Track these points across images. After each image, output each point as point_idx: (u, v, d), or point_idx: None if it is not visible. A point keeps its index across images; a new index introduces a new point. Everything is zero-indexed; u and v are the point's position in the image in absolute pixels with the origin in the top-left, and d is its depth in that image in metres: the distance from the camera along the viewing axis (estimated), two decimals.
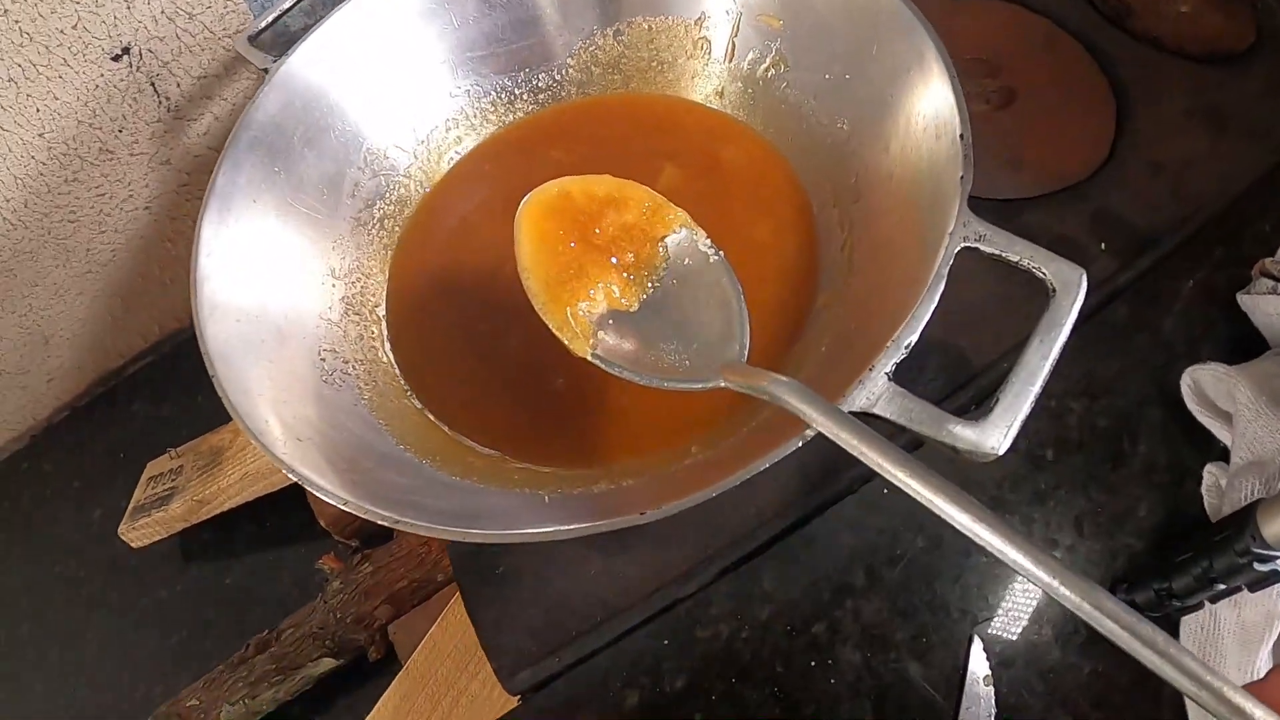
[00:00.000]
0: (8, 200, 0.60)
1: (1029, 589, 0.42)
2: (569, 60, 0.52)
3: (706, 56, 0.51)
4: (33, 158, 0.59)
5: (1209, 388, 0.45)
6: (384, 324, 0.47)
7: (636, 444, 0.41)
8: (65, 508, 0.68)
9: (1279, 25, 0.59)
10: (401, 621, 0.57)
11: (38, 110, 0.57)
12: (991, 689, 0.39)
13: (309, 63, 0.47)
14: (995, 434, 0.31)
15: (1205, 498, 0.45)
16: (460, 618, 0.54)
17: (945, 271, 0.33)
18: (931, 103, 0.38)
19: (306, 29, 0.49)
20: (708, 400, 0.39)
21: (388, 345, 0.46)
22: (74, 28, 0.55)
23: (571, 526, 0.31)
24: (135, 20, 0.57)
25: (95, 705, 0.61)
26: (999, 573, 0.41)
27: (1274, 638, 0.40)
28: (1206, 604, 0.40)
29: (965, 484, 0.42)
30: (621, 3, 0.50)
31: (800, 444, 0.31)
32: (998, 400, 0.31)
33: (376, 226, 0.49)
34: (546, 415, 0.42)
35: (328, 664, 0.57)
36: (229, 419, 0.64)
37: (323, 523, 0.60)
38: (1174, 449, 0.46)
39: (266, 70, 0.46)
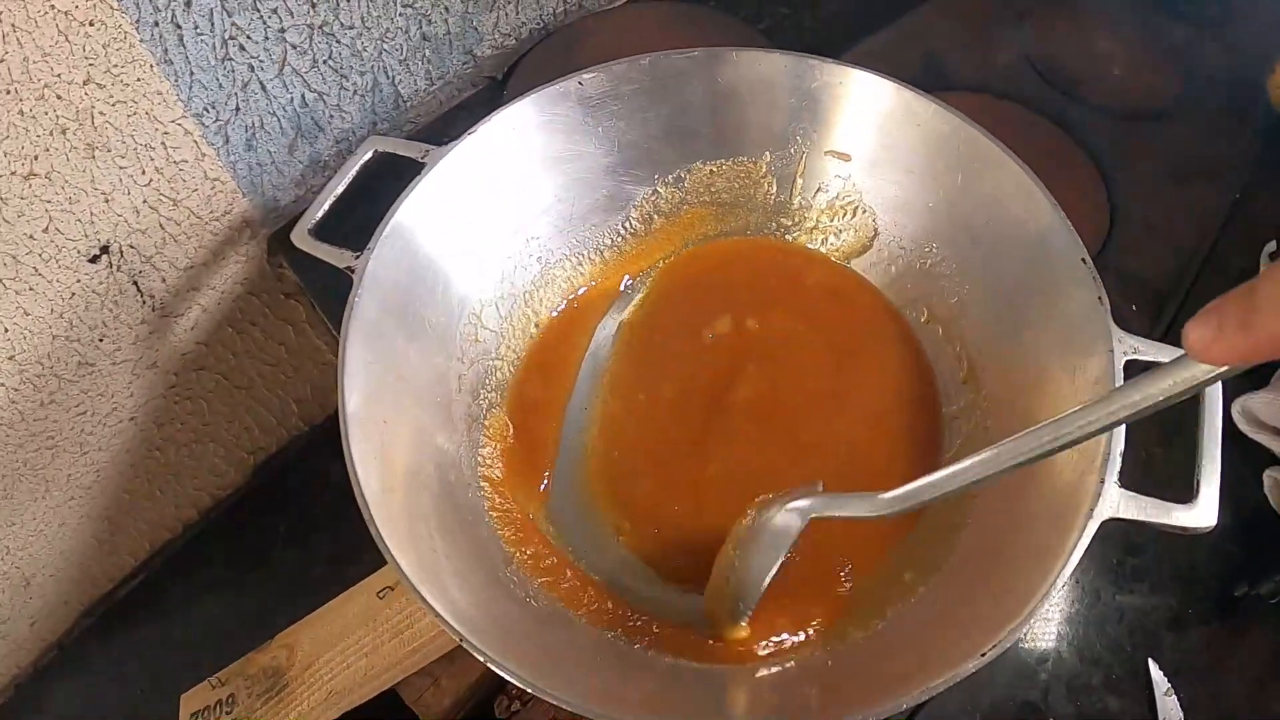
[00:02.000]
0: None
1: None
2: (634, 212, 0.51)
3: (775, 194, 0.52)
4: (3, 384, 0.50)
5: (1260, 411, 0.52)
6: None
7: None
8: None
9: (1199, 77, 0.68)
10: None
11: (5, 331, 0.49)
12: (1173, 697, 0.44)
13: (390, 254, 0.42)
14: (1206, 512, 0.36)
15: (1269, 497, 0.52)
16: None
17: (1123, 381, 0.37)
18: (1036, 219, 0.42)
19: (338, 209, 0.45)
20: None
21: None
22: (44, 231, 0.48)
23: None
24: (114, 215, 0.50)
25: None
26: (1149, 604, 0.47)
27: None
28: None
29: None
30: (686, 148, 0.50)
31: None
32: (1198, 483, 0.37)
33: (489, 416, 0.46)
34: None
35: None
36: (258, 633, 0.58)
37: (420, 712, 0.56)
38: (1234, 467, 0.53)
39: (350, 269, 0.42)
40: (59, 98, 0.45)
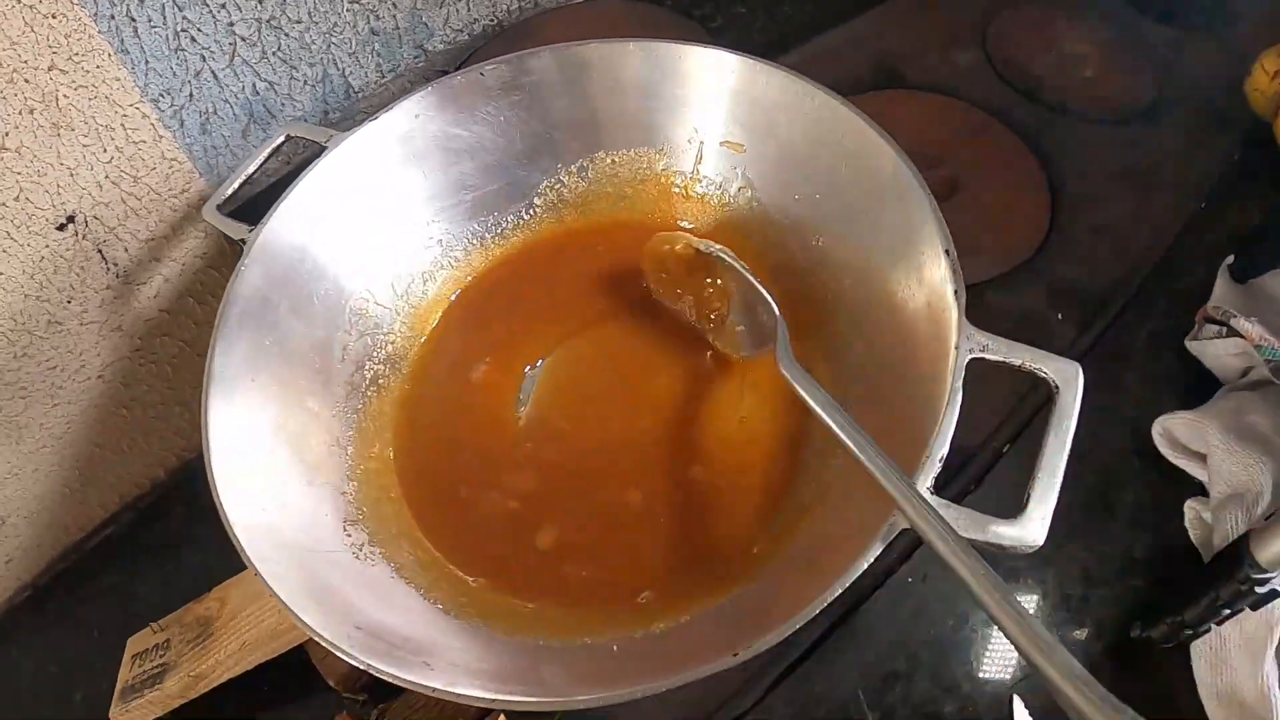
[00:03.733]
0: None
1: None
2: (536, 200, 0.53)
3: (673, 183, 0.52)
4: None
5: (1181, 434, 0.48)
6: (398, 486, 0.46)
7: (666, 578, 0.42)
8: (44, 694, 0.64)
9: (1174, 75, 0.65)
10: None
11: None
12: None
13: (284, 230, 0.46)
14: (1033, 528, 0.33)
15: (1190, 531, 0.48)
16: None
17: (960, 384, 0.35)
18: (910, 219, 0.40)
19: (273, 189, 0.49)
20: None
21: (406, 508, 0.45)
22: (15, 199, 0.53)
23: (658, 682, 0.31)
24: (79, 188, 0.55)
25: None
26: None
27: (1275, 643, 0.43)
28: (1213, 627, 0.43)
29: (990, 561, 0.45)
30: (588, 139, 0.52)
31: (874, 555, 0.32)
32: (1029, 496, 0.34)
33: (371, 388, 0.48)
34: (579, 557, 0.42)
35: None
36: (206, 587, 0.62)
37: (331, 681, 0.58)
38: (1155, 492, 0.50)
39: (242, 241, 0.45)
40: (26, 81, 0.50)
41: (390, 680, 0.33)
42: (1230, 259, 0.54)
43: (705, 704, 0.41)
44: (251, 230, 0.46)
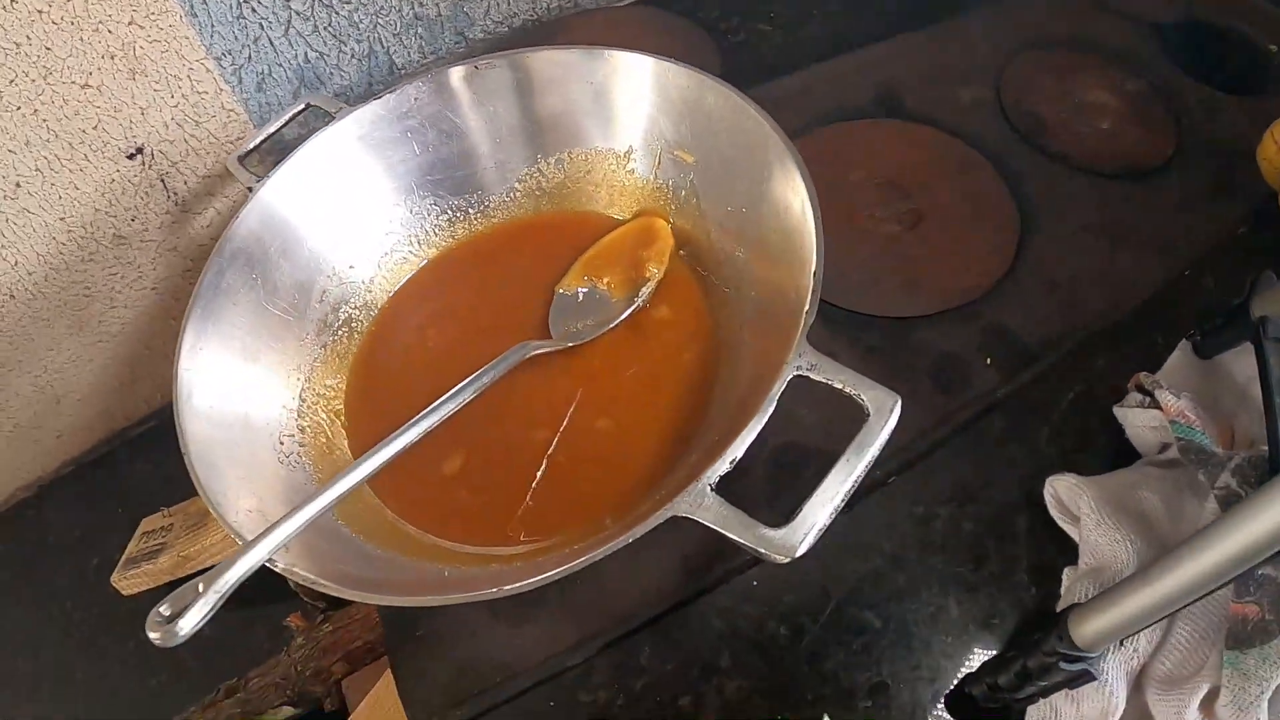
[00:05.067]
0: (30, 274, 0.67)
1: (880, 675, 0.45)
2: (516, 184, 0.58)
3: (634, 183, 0.57)
4: (54, 238, 0.66)
5: (1064, 496, 0.48)
6: (341, 416, 0.52)
7: (558, 523, 0.46)
8: (66, 555, 0.75)
9: (1200, 138, 0.63)
10: (354, 677, 0.62)
11: (60, 198, 0.64)
12: None
13: (284, 187, 0.53)
14: (793, 538, 0.35)
15: (1061, 600, 0.48)
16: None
17: (776, 397, 0.38)
18: (802, 239, 0.44)
19: (299, 142, 0.56)
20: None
21: (344, 434, 0.51)
22: (94, 128, 0.63)
23: (434, 597, 0.37)
24: (149, 126, 0.64)
25: None
26: (853, 661, 0.45)
27: None
28: (1046, 698, 0.43)
29: (832, 579, 0.47)
30: (560, 136, 0.57)
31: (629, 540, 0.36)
32: (801, 508, 0.36)
33: (342, 329, 0.55)
34: (482, 501, 0.48)
35: (287, 712, 0.62)
36: None
37: (292, 584, 0.66)
38: (1039, 553, 0.49)
39: (250, 188, 0.53)
40: (109, 32, 0.59)
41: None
42: (1195, 337, 0.52)
43: (538, 653, 0.45)
44: (259, 181, 0.53)
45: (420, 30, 0.67)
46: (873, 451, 0.36)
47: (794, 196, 0.45)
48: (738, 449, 0.37)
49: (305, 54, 0.65)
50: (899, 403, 0.37)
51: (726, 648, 0.45)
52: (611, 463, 0.48)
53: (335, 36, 0.65)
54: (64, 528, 0.76)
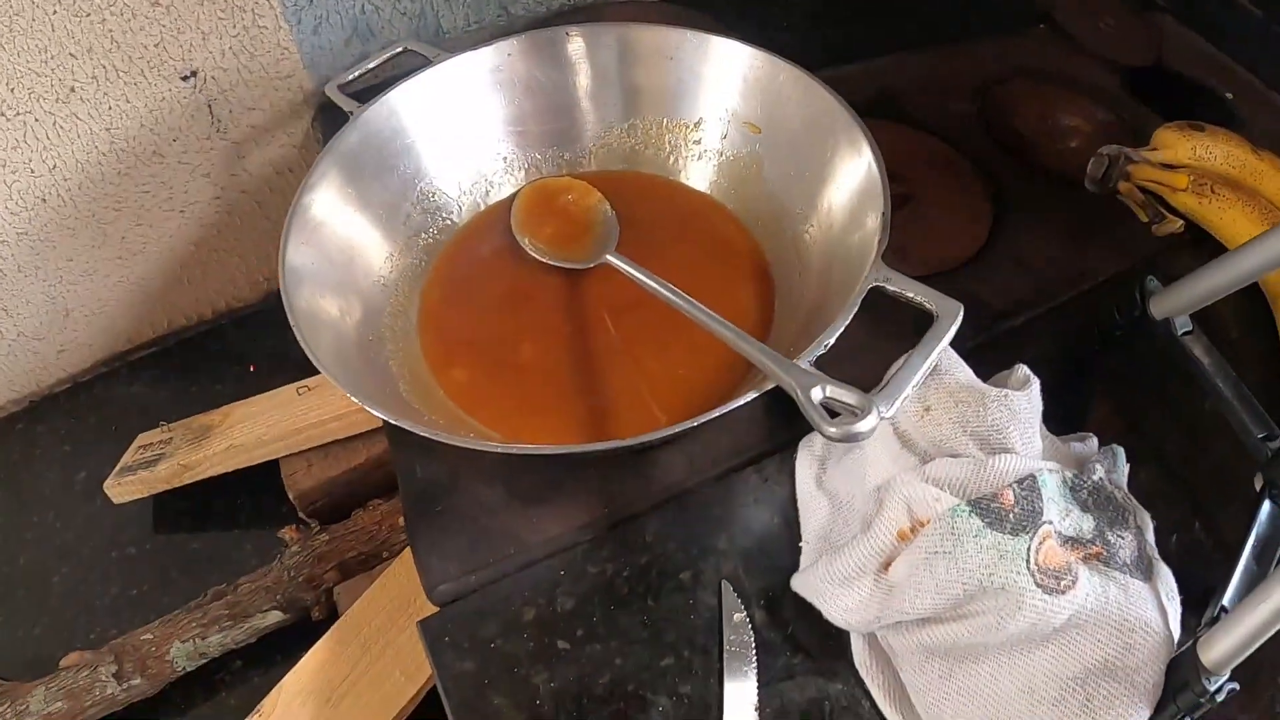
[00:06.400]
0: (65, 180, 0.69)
1: None
2: (590, 145, 0.63)
3: (699, 150, 0.63)
4: (95, 147, 0.69)
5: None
6: (419, 302, 0.56)
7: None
8: (52, 467, 0.75)
9: None
10: (346, 584, 0.64)
11: (110, 108, 0.67)
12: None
13: (384, 113, 0.57)
14: (891, 399, 0.40)
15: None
16: (397, 580, 0.61)
17: (859, 299, 0.44)
18: (866, 190, 0.51)
19: (383, 84, 0.60)
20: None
21: (416, 321, 0.55)
22: (156, 45, 0.66)
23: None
24: (208, 50, 0.68)
25: (52, 642, 0.65)
26: None
27: None
28: None
29: None
30: (638, 102, 0.62)
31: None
32: (888, 381, 0.41)
33: (421, 252, 0.58)
34: (541, 398, 0.52)
35: (275, 617, 0.63)
36: (218, 407, 0.72)
37: (291, 495, 0.67)
38: None
39: (351, 113, 0.56)
40: None
41: (379, 416, 0.43)
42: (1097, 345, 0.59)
43: (551, 528, 0.48)
44: (360, 106, 0.57)
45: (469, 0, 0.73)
46: (940, 345, 0.42)
47: (860, 158, 0.52)
48: (829, 337, 0.43)
49: (363, 5, 0.70)
50: (961, 309, 0.43)
51: (723, 531, 0.48)
52: (666, 386, 0.53)
53: None
54: (53, 442, 0.76)
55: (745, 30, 0.77)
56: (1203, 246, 0.64)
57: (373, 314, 0.53)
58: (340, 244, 0.54)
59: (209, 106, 0.71)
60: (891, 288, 0.45)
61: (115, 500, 0.69)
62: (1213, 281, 0.50)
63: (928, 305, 0.44)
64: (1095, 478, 0.46)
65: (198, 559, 0.69)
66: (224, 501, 0.72)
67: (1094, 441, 0.51)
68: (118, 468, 0.70)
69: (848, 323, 0.44)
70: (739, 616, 0.46)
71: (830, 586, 0.44)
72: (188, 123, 0.71)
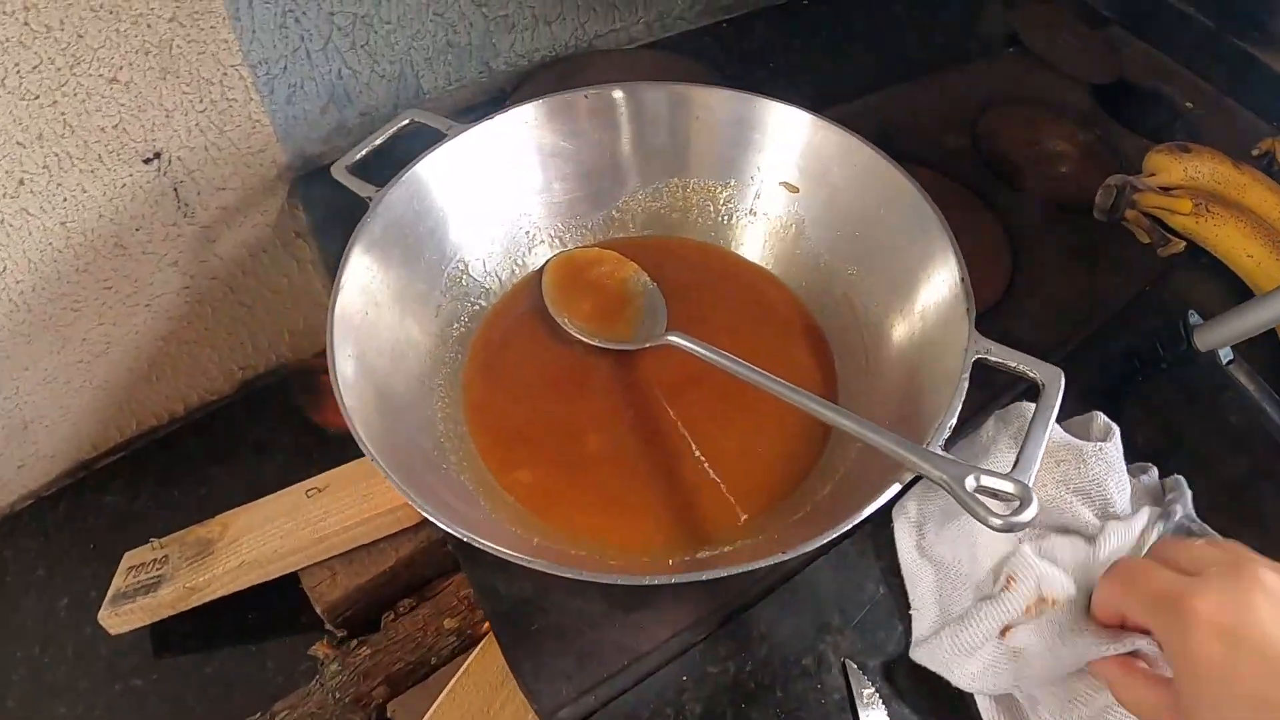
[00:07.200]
0: (18, 282, 0.62)
1: None
2: (614, 211, 0.60)
3: (729, 211, 0.61)
4: (50, 244, 0.62)
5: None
6: (462, 398, 0.53)
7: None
8: (29, 595, 0.67)
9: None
10: (401, 700, 0.59)
11: (65, 200, 0.60)
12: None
13: (403, 195, 0.52)
14: (1026, 473, 0.39)
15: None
16: (466, 693, 0.57)
17: (967, 376, 0.44)
18: (933, 251, 0.50)
19: (365, 166, 0.55)
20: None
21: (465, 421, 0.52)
22: (115, 127, 0.59)
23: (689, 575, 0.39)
24: (172, 129, 0.62)
25: None
26: None
27: None
28: None
29: None
30: (663, 166, 0.60)
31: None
32: (1019, 458, 0.40)
33: (455, 344, 0.54)
34: (616, 493, 0.50)
35: None
36: (209, 514, 0.66)
37: (319, 610, 0.62)
38: None
39: (370, 198, 0.52)
40: (148, 26, 0.57)
41: (444, 529, 0.39)
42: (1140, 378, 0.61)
43: (661, 633, 0.46)
44: (378, 190, 0.52)
45: (450, 58, 0.69)
46: (1055, 410, 0.42)
47: (920, 216, 0.51)
48: (950, 418, 0.42)
49: (339, 70, 0.65)
50: (1062, 375, 0.43)
51: (835, 609, 0.47)
52: (740, 467, 0.51)
53: (370, 55, 0.65)
54: (25, 567, 0.68)
55: (733, 73, 0.77)
56: (1199, 262, 0.67)
57: (426, 423, 0.50)
58: (380, 347, 0.50)
59: (175, 190, 0.65)
60: (994, 359, 0.45)
61: (113, 632, 0.62)
62: (1258, 318, 0.53)
63: (1031, 374, 0.44)
64: (1178, 519, 0.47)
65: (215, 684, 0.63)
66: (232, 616, 0.66)
67: (1155, 472, 0.52)
68: (110, 595, 0.63)
69: (962, 401, 0.43)
70: (868, 692, 0.45)
71: (956, 657, 0.44)
72: (151, 209, 0.65)
